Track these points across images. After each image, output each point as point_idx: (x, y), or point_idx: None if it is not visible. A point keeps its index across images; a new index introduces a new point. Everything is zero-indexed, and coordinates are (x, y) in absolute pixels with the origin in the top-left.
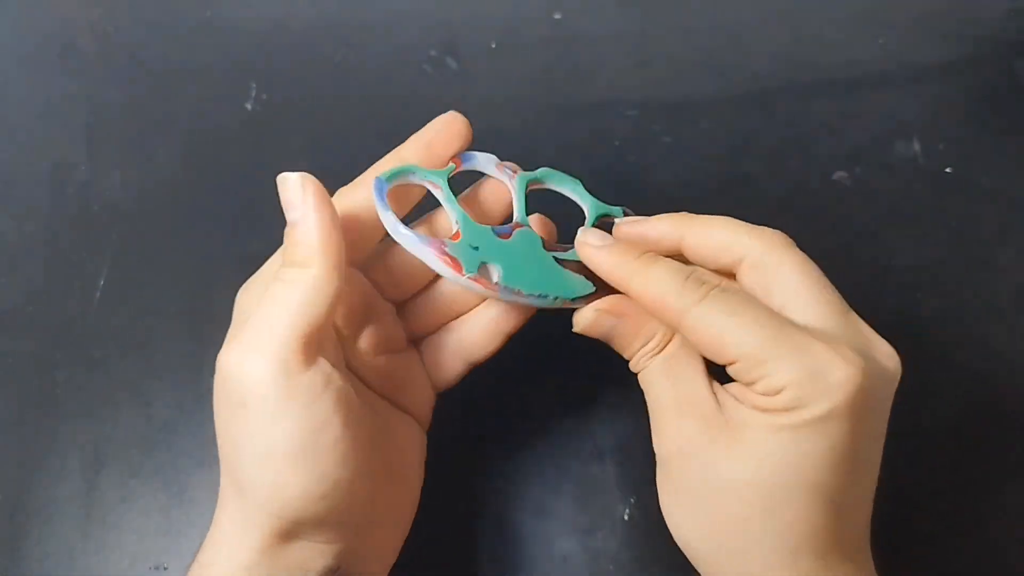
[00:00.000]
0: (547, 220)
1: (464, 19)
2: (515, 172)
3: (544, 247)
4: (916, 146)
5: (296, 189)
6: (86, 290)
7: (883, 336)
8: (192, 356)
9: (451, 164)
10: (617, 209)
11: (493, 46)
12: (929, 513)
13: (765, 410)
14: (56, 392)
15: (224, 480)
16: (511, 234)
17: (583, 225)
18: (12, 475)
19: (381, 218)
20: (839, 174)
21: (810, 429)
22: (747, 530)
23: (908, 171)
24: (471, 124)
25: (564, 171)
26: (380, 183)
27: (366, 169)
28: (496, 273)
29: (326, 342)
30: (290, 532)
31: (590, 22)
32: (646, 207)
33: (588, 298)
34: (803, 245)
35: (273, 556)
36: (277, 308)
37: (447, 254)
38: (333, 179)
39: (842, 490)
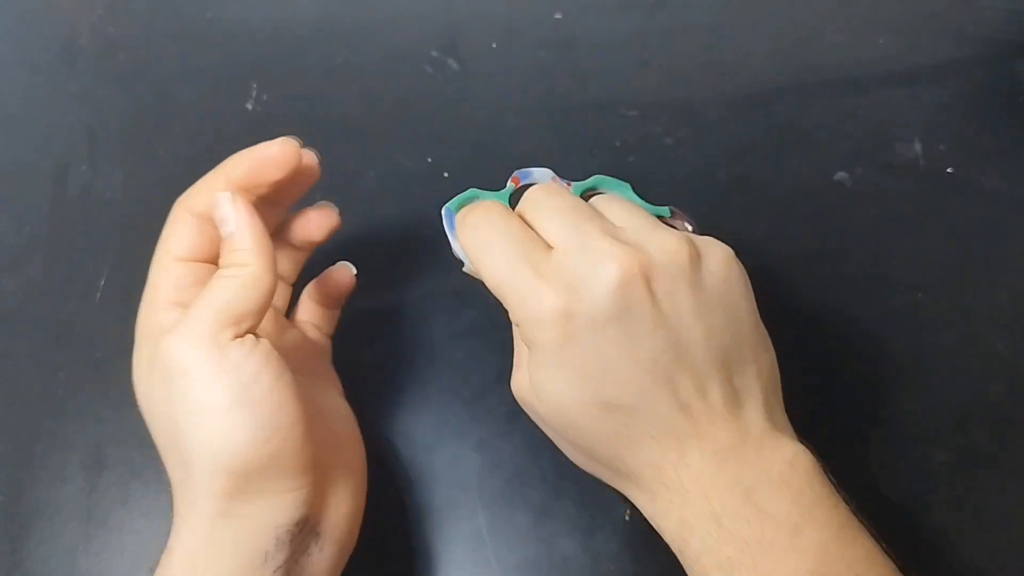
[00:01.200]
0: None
1: (465, 20)
2: (569, 185)
3: None
4: (917, 147)
5: (228, 205)
6: (87, 290)
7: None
8: None
9: (510, 184)
10: (664, 209)
11: (494, 46)
12: (929, 513)
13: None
14: (57, 392)
15: (171, 470)
16: None
17: None
18: (13, 476)
19: (452, 246)
20: (839, 175)
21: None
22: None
23: (909, 172)
24: (471, 124)
25: (612, 175)
26: (449, 212)
27: (367, 170)
28: None
29: (265, 324)
30: (243, 488)
31: (591, 23)
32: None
33: None
34: (803, 245)
35: (233, 518)
36: (216, 296)
37: None
38: (334, 178)
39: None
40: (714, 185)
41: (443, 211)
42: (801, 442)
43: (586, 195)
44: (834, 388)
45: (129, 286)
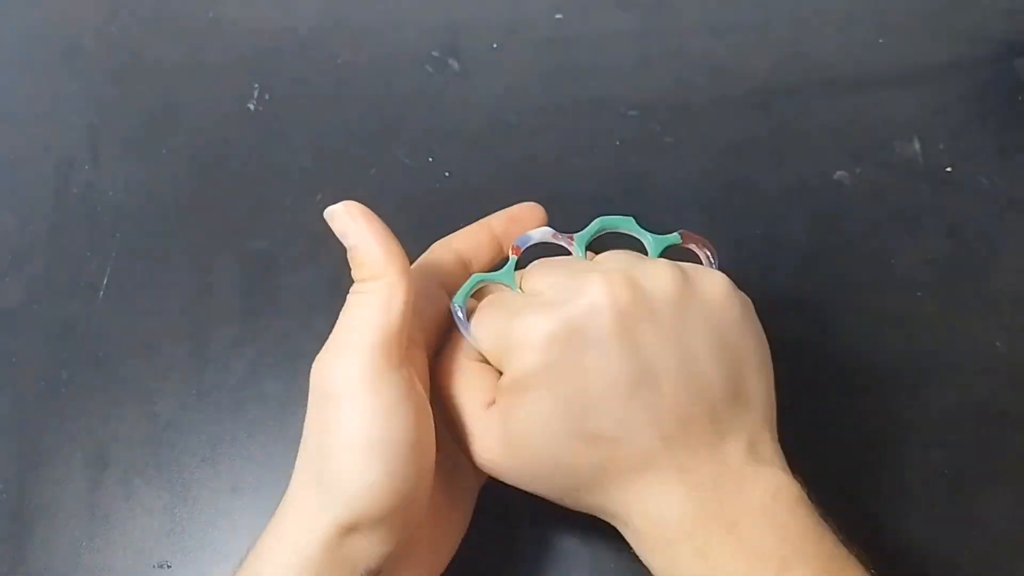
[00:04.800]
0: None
1: (466, 20)
2: (572, 238)
3: None
4: (916, 146)
5: (345, 217)
6: (89, 289)
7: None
8: (195, 355)
9: (511, 256)
10: (674, 236)
11: (494, 46)
12: (928, 513)
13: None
14: (60, 391)
15: (301, 473)
16: None
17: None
18: (16, 474)
19: (466, 336)
20: (839, 174)
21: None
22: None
23: (908, 171)
24: (471, 124)
25: (613, 213)
26: (456, 307)
27: (368, 169)
28: None
29: (411, 348)
30: (352, 526)
31: (591, 22)
32: (647, 207)
33: None
34: (803, 245)
35: (333, 549)
36: (359, 315)
37: None
38: (335, 178)
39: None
40: (714, 185)
41: (452, 307)
42: (793, 472)
43: (595, 240)
44: (833, 388)
45: (131, 285)
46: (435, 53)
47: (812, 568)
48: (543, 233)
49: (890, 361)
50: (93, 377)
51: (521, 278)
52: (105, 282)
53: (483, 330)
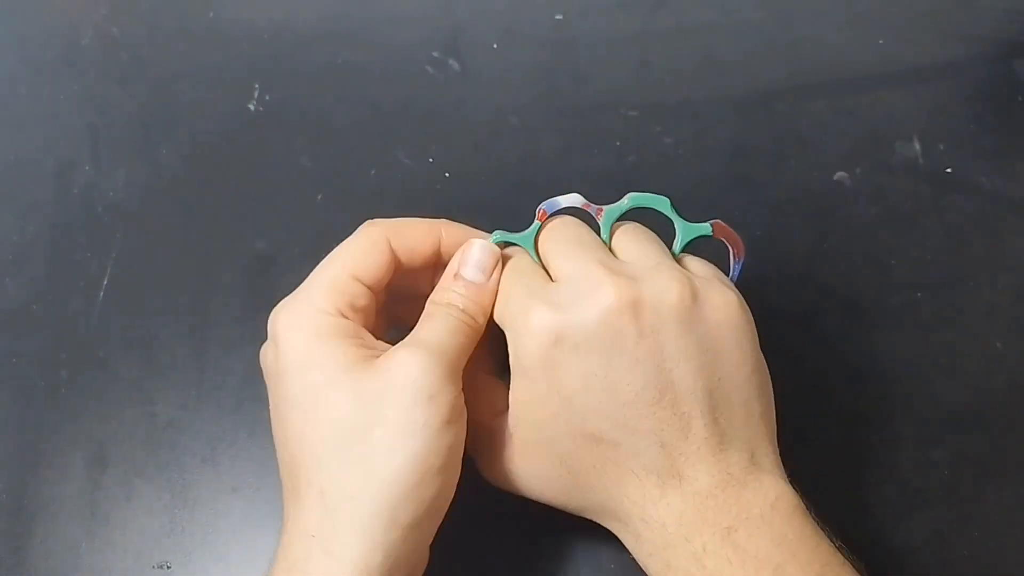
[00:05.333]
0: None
1: (466, 20)
2: (601, 210)
3: None
4: (916, 146)
5: (493, 259)
6: (90, 289)
7: (883, 337)
8: (195, 355)
9: (536, 221)
10: (705, 226)
11: (495, 47)
12: (929, 513)
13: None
14: (60, 391)
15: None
16: None
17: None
18: (16, 473)
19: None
20: (839, 174)
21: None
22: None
23: (908, 171)
24: (472, 124)
25: (648, 190)
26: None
27: (368, 170)
28: None
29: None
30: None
31: (591, 23)
32: None
33: None
34: (803, 245)
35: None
36: (450, 336)
37: None
38: (335, 178)
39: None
40: (714, 185)
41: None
42: (793, 472)
43: (623, 217)
44: (833, 388)
45: (132, 285)
46: (435, 53)
47: (807, 573)
48: (572, 199)
49: (890, 361)
50: (93, 377)
51: (540, 237)
52: (105, 282)
53: (499, 298)
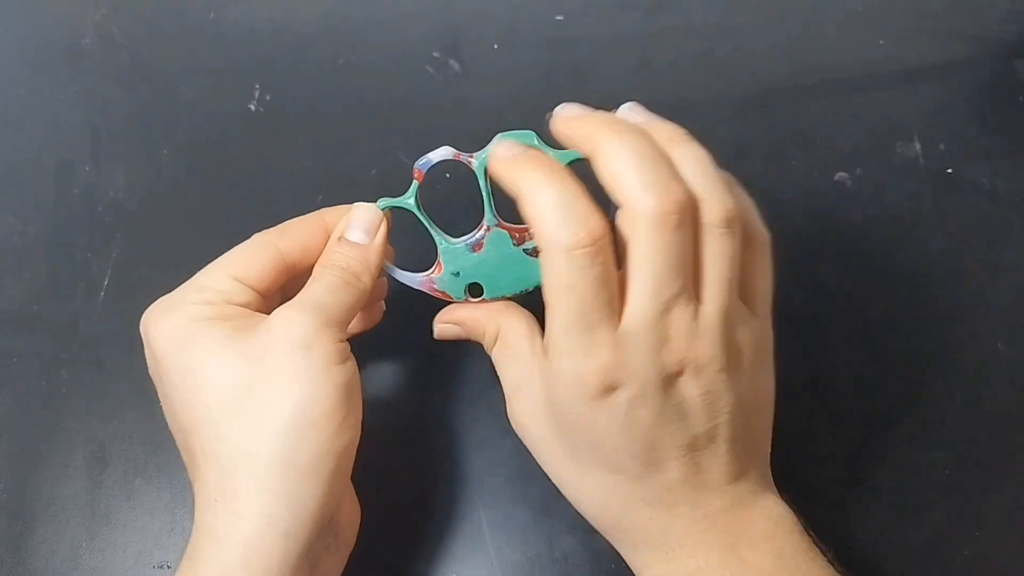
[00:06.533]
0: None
1: (466, 21)
2: (472, 158)
3: (513, 244)
4: (917, 146)
5: (375, 219)
6: (90, 289)
7: (884, 338)
8: None
9: (414, 181)
10: (574, 152)
11: (495, 47)
12: (930, 513)
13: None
14: (61, 391)
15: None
16: (483, 242)
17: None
18: (17, 473)
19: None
20: (839, 175)
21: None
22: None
23: (908, 171)
24: (472, 124)
25: (512, 128)
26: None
27: (369, 170)
28: (481, 289)
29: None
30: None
31: (591, 23)
32: None
33: None
34: (804, 245)
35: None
36: (331, 295)
37: (436, 290)
38: (336, 179)
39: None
40: None
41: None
42: (793, 473)
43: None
44: (833, 388)
45: (132, 285)
46: (435, 54)
47: None
48: (443, 152)
49: (890, 362)
50: (94, 377)
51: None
52: (106, 282)
53: (556, 310)
